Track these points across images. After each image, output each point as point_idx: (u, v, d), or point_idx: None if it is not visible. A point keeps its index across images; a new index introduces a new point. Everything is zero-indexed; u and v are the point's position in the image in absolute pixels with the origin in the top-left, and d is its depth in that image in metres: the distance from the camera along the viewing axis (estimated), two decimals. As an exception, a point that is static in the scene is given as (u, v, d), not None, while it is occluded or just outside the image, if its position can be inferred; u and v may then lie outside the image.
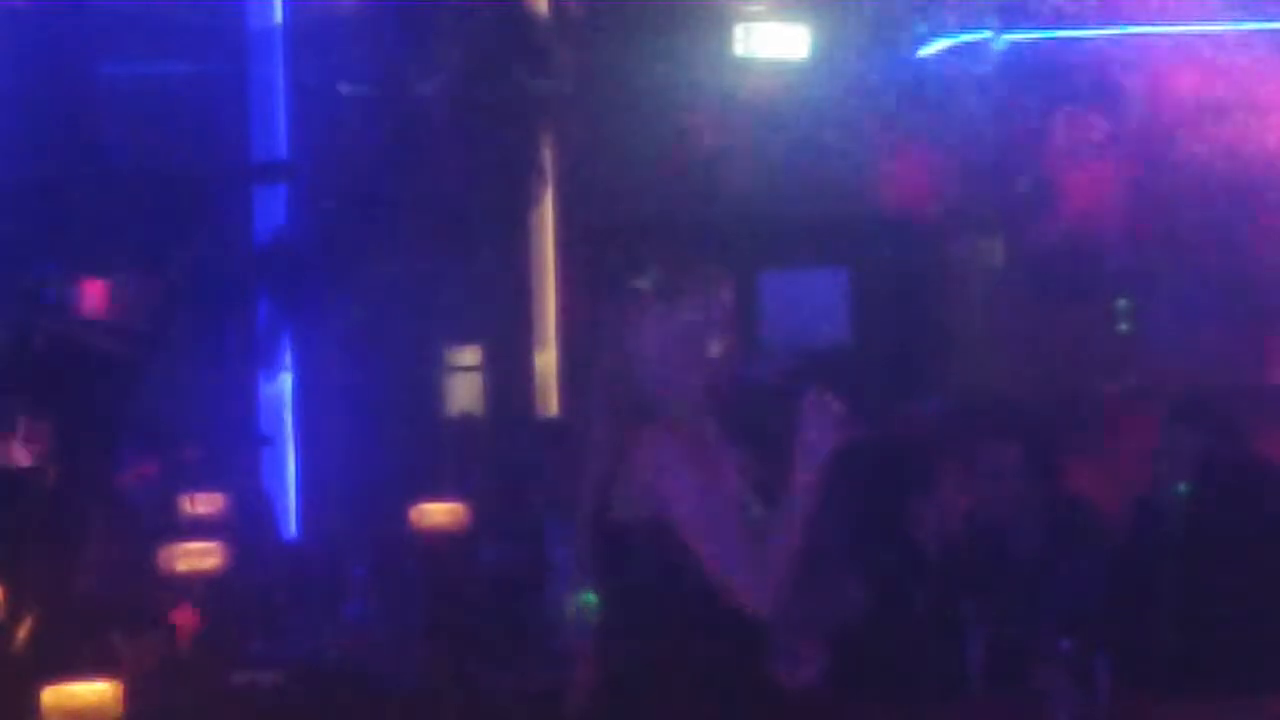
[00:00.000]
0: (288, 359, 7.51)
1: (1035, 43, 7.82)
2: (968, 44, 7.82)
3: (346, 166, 7.32)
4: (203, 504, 5.53)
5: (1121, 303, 7.82)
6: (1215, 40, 7.36)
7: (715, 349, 3.87)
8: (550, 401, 7.44)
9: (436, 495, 5.66)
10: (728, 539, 3.74)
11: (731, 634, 3.75)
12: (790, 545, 3.76)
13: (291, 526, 7.47)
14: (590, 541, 3.89)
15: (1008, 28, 7.79)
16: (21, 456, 5.16)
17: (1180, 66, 7.40)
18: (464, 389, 7.44)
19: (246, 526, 5.83)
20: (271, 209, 7.49)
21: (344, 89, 7.30)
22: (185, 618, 4.96)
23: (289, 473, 7.57)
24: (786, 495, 3.78)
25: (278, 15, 7.67)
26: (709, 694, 3.76)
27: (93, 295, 5.78)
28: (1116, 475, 6.04)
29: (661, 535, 3.75)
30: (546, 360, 7.41)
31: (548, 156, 7.11)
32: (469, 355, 7.47)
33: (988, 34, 7.80)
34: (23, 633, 4.76)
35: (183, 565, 5.07)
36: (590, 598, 3.96)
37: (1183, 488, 5.30)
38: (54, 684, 4.00)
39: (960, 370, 8.00)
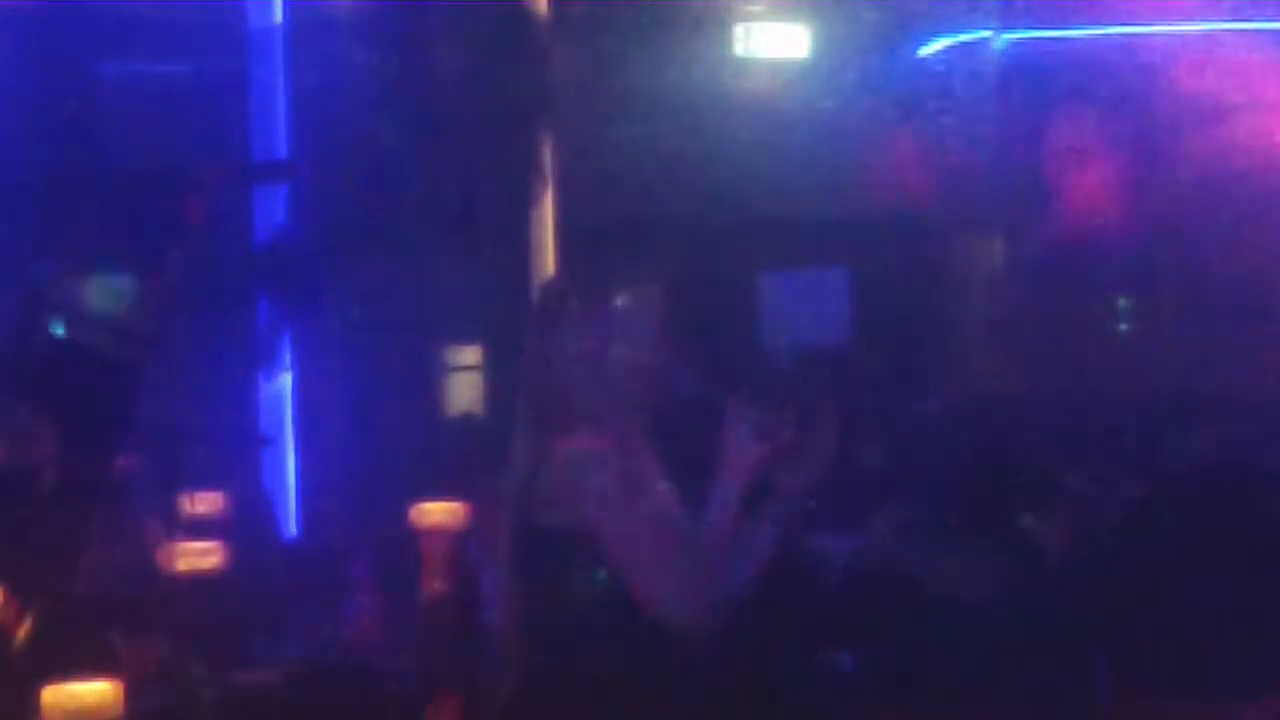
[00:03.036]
0: (288, 359, 7.51)
1: (1035, 42, 7.82)
2: (968, 44, 7.82)
3: (346, 166, 7.31)
4: (203, 504, 5.53)
5: (1122, 302, 7.82)
6: (1215, 40, 7.36)
7: (646, 354, 3.86)
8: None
9: (436, 495, 5.65)
10: (651, 547, 3.74)
11: (653, 641, 3.74)
12: (714, 555, 3.76)
13: (291, 526, 7.47)
14: (512, 545, 3.89)
15: (1008, 28, 7.79)
16: (22, 456, 5.16)
17: (1181, 67, 7.40)
18: (464, 389, 7.44)
19: (246, 526, 5.83)
20: (271, 209, 7.49)
21: (344, 89, 7.29)
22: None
23: (289, 473, 7.57)
24: (713, 504, 3.78)
25: (278, 15, 7.67)
26: (630, 700, 3.76)
27: (93, 295, 5.78)
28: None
29: (584, 541, 3.75)
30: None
31: (548, 156, 7.11)
32: (469, 355, 7.46)
33: (988, 34, 7.80)
34: (23, 633, 4.75)
35: (183, 565, 5.07)
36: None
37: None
38: (54, 684, 3.99)
39: (961, 371, 7.99)
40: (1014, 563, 5.20)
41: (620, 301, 3.83)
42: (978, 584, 5.07)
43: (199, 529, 5.36)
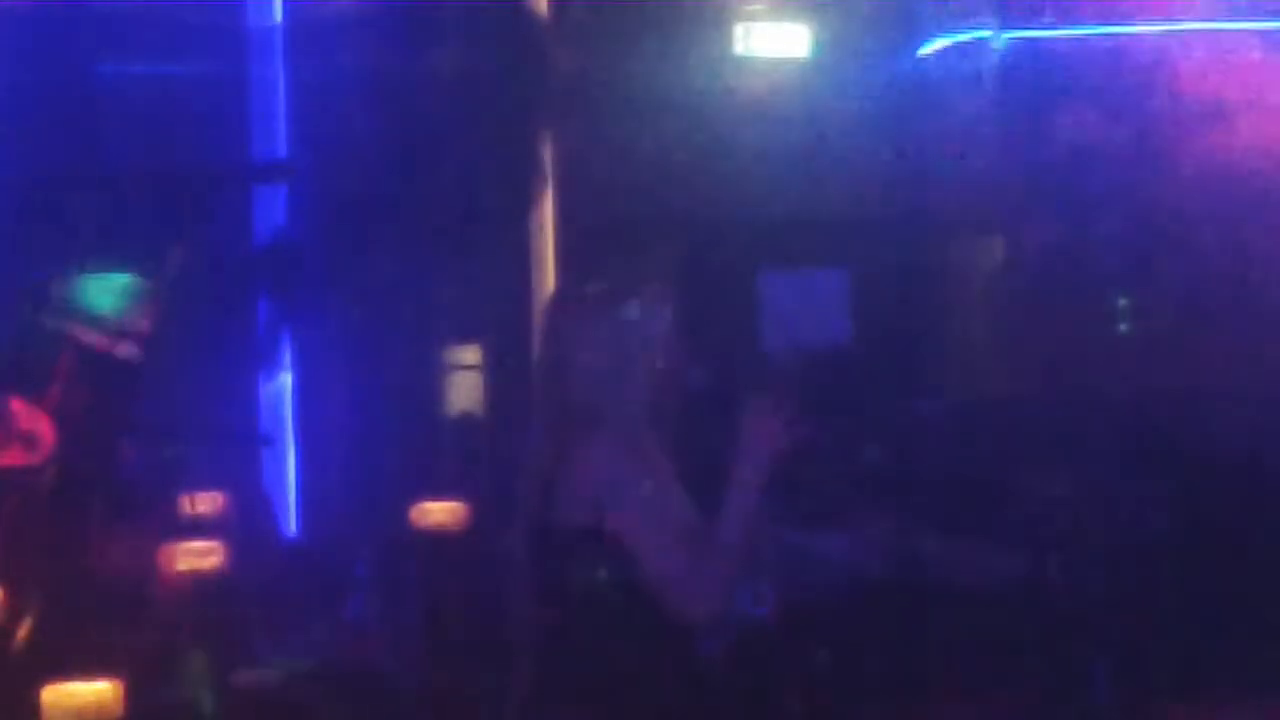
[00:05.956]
0: (288, 359, 7.50)
1: (1035, 42, 7.82)
2: (968, 44, 7.82)
3: (346, 166, 7.31)
4: (203, 504, 5.53)
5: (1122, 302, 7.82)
6: (1215, 40, 7.35)
7: (658, 356, 3.87)
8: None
9: (437, 495, 5.66)
10: (668, 547, 3.74)
11: (669, 640, 3.75)
12: (731, 553, 3.76)
13: (291, 526, 7.47)
14: (530, 546, 3.90)
15: (1008, 28, 7.79)
16: (22, 456, 5.15)
17: (1183, 66, 7.39)
18: (464, 389, 7.44)
19: (246, 526, 5.83)
20: (271, 209, 7.49)
21: (344, 89, 7.29)
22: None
23: (289, 473, 7.57)
24: (730, 504, 3.78)
25: (278, 15, 7.67)
26: (641, 699, 3.76)
27: (93, 295, 5.77)
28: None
29: (601, 541, 3.75)
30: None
31: (548, 156, 7.11)
32: (469, 355, 7.46)
33: (988, 34, 7.80)
34: (23, 633, 4.75)
35: (183, 565, 5.07)
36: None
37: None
38: (54, 684, 3.99)
39: (960, 371, 7.99)
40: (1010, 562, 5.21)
41: (631, 302, 3.84)
42: (973, 582, 5.07)
43: (199, 529, 5.36)
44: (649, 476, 3.76)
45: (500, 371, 7.32)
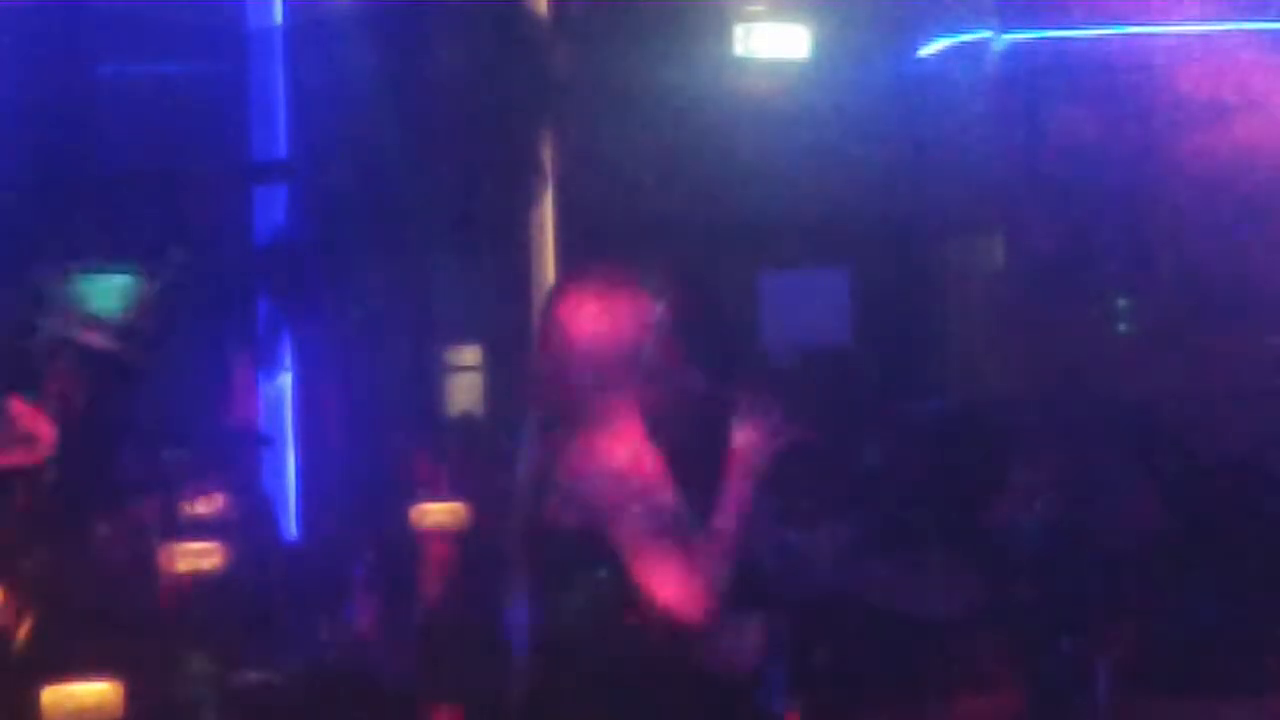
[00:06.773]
0: (288, 359, 7.51)
1: (1035, 42, 7.83)
2: (968, 44, 7.83)
3: (346, 166, 7.32)
4: (203, 504, 5.53)
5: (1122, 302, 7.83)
6: (1215, 40, 7.36)
7: (656, 354, 3.86)
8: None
9: (436, 495, 5.66)
10: (659, 547, 3.73)
11: (662, 642, 3.74)
12: (723, 554, 3.75)
13: (291, 526, 7.47)
14: (522, 546, 3.89)
15: (1008, 28, 7.79)
16: (22, 456, 5.15)
17: (1183, 67, 7.40)
18: (464, 389, 7.44)
19: (246, 526, 5.83)
20: (271, 209, 7.49)
21: (344, 89, 7.30)
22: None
23: (289, 473, 7.57)
24: (720, 504, 3.78)
25: (278, 15, 7.67)
26: (638, 700, 3.76)
27: (93, 295, 5.77)
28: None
29: (593, 542, 3.75)
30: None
31: (548, 156, 7.11)
32: (469, 355, 7.46)
33: (988, 34, 7.81)
34: (23, 633, 4.75)
35: (183, 565, 5.07)
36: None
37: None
38: (54, 684, 3.99)
39: (960, 371, 8.00)
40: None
41: (629, 301, 3.83)
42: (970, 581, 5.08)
43: (199, 529, 5.36)
44: (644, 476, 3.75)
45: (500, 371, 7.33)
